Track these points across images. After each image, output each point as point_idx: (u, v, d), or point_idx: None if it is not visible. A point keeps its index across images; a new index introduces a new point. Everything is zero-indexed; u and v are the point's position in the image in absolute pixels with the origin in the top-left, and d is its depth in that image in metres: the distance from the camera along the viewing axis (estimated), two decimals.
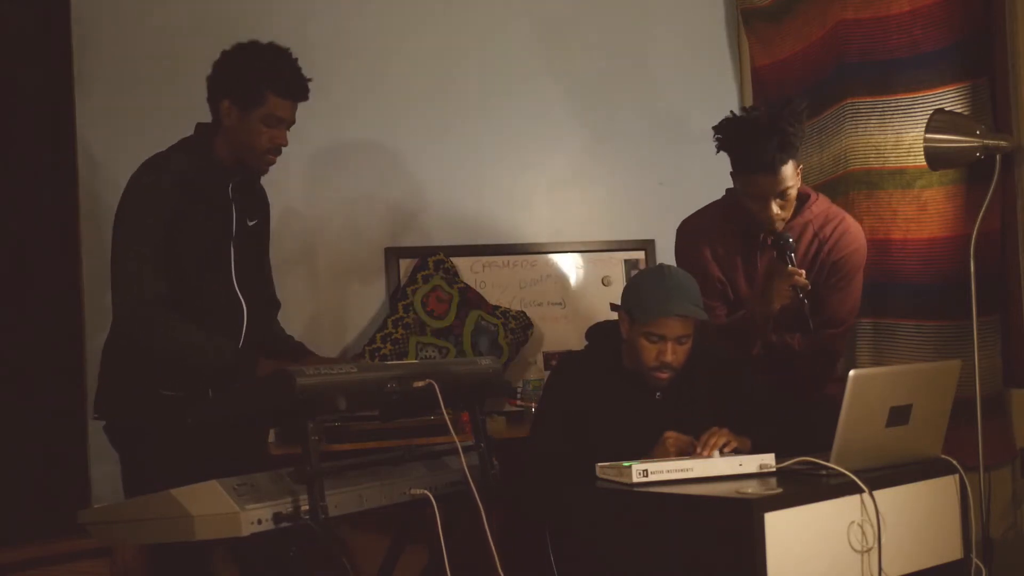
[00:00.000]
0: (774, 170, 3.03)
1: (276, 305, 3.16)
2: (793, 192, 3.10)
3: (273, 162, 2.92)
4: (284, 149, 2.93)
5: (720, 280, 3.27)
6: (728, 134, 3.09)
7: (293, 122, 2.90)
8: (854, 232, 3.26)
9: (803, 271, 3.08)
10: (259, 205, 3.05)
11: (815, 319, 3.15)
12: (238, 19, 3.99)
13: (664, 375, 2.94)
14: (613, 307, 3.11)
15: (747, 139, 3.04)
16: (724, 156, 3.25)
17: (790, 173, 3.07)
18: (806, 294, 3.06)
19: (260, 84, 2.82)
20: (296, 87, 2.87)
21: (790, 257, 3.10)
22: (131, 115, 3.91)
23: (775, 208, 3.09)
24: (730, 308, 3.29)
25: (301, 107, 2.94)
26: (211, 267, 2.85)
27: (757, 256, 3.26)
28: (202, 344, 2.72)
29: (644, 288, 2.96)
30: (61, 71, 3.88)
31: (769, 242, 3.18)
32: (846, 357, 3.76)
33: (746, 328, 3.20)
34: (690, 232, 3.37)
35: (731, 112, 3.15)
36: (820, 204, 3.26)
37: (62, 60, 3.88)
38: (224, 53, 2.88)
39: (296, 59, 2.87)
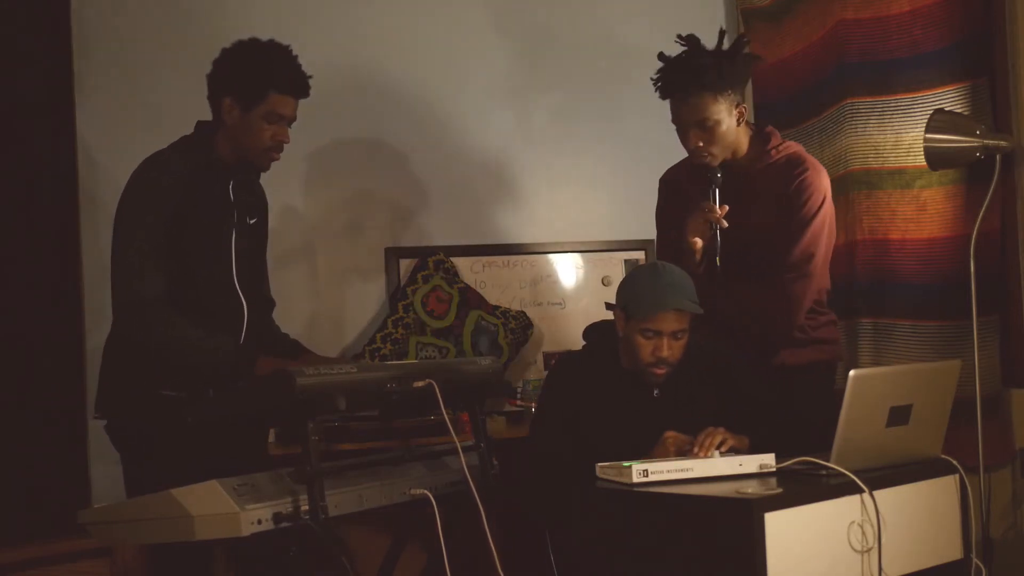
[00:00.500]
0: (685, 96, 3.05)
1: (271, 304, 3.16)
2: (719, 129, 3.08)
3: (276, 159, 2.93)
4: (285, 148, 2.93)
5: (676, 225, 3.22)
6: (664, 62, 3.13)
7: (295, 119, 2.91)
8: (811, 179, 3.16)
9: (723, 208, 3.07)
10: (258, 204, 3.05)
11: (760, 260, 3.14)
12: (238, 19, 3.99)
13: (660, 371, 2.94)
14: (608, 306, 3.11)
15: (669, 65, 3.10)
16: None
17: (707, 104, 3.05)
18: (717, 232, 3.07)
19: (261, 81, 2.82)
20: (297, 84, 2.87)
21: (712, 192, 3.10)
22: (131, 115, 3.91)
23: (694, 138, 3.09)
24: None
25: (302, 106, 2.94)
26: (212, 265, 2.85)
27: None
28: (201, 341, 2.73)
29: (639, 284, 2.96)
30: (61, 71, 3.88)
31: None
32: (846, 357, 3.77)
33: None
34: (664, 177, 3.42)
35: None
36: (785, 149, 3.21)
37: (62, 60, 3.88)
38: (224, 51, 2.88)
39: (296, 56, 2.88)
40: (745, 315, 3.18)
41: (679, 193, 3.30)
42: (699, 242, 3.09)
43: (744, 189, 3.14)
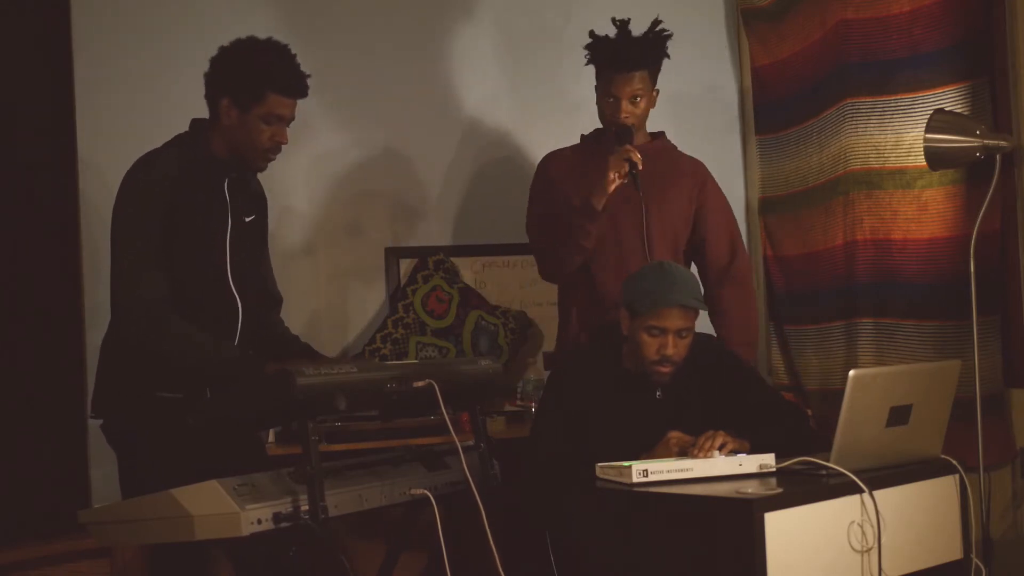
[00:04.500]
0: (633, 70, 3.38)
1: (277, 301, 3.12)
2: (642, 104, 3.42)
3: (273, 159, 2.91)
4: (285, 148, 2.92)
5: (565, 194, 3.46)
6: (601, 41, 3.46)
7: (293, 119, 2.88)
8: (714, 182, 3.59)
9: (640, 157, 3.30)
10: (256, 201, 3.01)
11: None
12: (238, 18, 3.98)
13: (665, 368, 2.94)
14: (613, 306, 3.11)
15: (614, 45, 3.42)
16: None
17: (643, 80, 3.40)
18: (637, 170, 3.28)
19: (260, 83, 2.79)
20: (296, 85, 2.85)
21: (629, 136, 3.38)
22: (131, 115, 3.90)
23: (625, 109, 3.40)
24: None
25: (302, 106, 2.93)
26: (205, 263, 2.82)
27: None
28: (207, 348, 2.70)
29: (645, 282, 2.97)
30: (61, 71, 3.88)
31: (613, 132, 3.43)
32: (846, 357, 3.77)
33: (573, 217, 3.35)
34: (545, 160, 3.64)
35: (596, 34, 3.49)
36: (668, 141, 3.63)
37: (62, 60, 3.88)
38: (222, 50, 2.85)
39: (295, 55, 2.86)
40: None
41: (574, 170, 3.50)
42: (616, 179, 3.27)
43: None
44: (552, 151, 3.64)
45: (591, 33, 3.47)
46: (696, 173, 3.54)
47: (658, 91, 3.48)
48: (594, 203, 3.28)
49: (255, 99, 2.80)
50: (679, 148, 3.63)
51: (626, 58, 3.37)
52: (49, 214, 3.80)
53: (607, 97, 3.42)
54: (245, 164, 2.89)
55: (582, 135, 3.60)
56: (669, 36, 3.45)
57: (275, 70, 2.81)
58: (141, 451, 2.77)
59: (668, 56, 3.48)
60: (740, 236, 3.60)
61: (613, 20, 3.44)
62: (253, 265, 2.99)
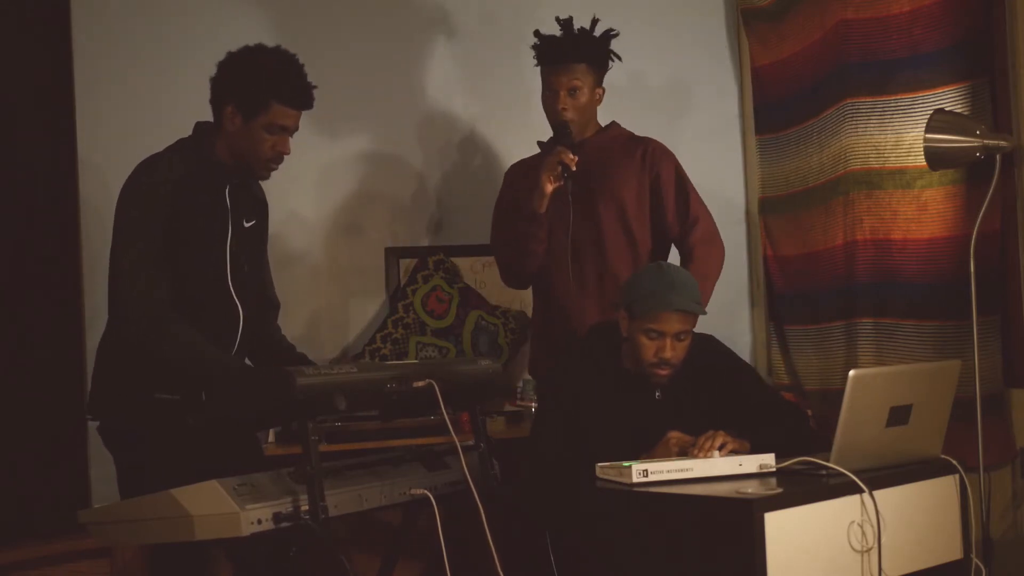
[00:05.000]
0: (565, 65, 3.44)
1: (275, 307, 3.13)
2: (582, 97, 3.45)
3: (275, 168, 2.91)
4: None
5: (518, 201, 3.47)
6: (543, 39, 3.52)
7: (296, 129, 2.87)
8: (659, 147, 3.55)
9: (574, 157, 3.31)
10: (256, 206, 3.01)
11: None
12: (237, 21, 3.99)
13: (664, 371, 2.94)
14: (613, 306, 3.11)
15: (552, 40, 3.49)
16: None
17: (579, 73, 3.44)
18: (570, 173, 3.29)
19: (265, 92, 2.77)
20: (301, 96, 2.83)
21: (566, 137, 3.40)
22: (131, 116, 3.91)
23: (562, 101, 3.44)
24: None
25: None
26: (206, 268, 2.81)
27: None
28: (207, 352, 2.69)
29: (643, 284, 2.96)
30: (61, 71, 3.88)
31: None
32: (846, 357, 3.77)
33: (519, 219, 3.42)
34: (508, 169, 3.73)
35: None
36: (621, 129, 3.61)
37: (62, 60, 3.88)
38: (230, 55, 2.83)
39: (303, 65, 2.84)
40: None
41: (527, 177, 3.50)
42: (550, 186, 3.30)
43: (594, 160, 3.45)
44: (516, 161, 3.69)
45: (535, 32, 3.51)
46: (646, 151, 3.52)
47: (604, 90, 3.52)
48: (535, 208, 3.34)
49: (259, 108, 2.78)
50: (676, 147, 3.61)
51: (564, 51, 3.44)
52: (49, 214, 3.80)
53: (546, 91, 3.48)
54: (248, 171, 2.88)
55: (538, 142, 3.60)
56: (615, 35, 3.50)
57: (281, 80, 2.79)
58: (139, 452, 2.76)
59: (619, 58, 3.53)
60: (700, 203, 3.52)
61: (557, 19, 3.49)
62: (253, 270, 2.98)
